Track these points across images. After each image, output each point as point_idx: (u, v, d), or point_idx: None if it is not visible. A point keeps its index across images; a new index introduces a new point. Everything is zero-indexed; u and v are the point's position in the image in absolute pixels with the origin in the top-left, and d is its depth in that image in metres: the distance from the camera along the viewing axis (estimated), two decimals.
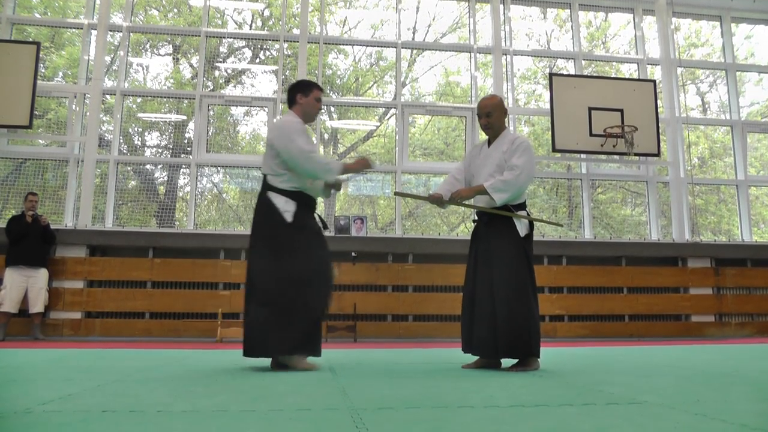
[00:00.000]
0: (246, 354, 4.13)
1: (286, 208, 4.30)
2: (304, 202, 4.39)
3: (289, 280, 4.14)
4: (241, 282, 9.15)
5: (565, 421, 2.16)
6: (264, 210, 4.35)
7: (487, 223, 4.48)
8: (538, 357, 4.27)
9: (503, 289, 4.25)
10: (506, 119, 4.72)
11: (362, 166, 4.52)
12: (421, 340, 9.06)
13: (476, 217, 4.69)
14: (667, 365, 4.64)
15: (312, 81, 4.69)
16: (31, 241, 8.50)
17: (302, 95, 4.55)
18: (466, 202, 4.70)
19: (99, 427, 2.01)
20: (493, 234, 4.42)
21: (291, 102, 4.60)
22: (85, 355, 5.65)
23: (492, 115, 4.57)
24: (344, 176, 4.59)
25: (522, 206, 4.48)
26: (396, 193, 4.76)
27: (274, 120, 4.54)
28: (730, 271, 10.33)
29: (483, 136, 4.83)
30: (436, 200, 4.57)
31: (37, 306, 8.44)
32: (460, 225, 11.96)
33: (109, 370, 4.00)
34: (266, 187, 4.37)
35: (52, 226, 8.83)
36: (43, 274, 8.57)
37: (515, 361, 4.31)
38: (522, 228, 4.38)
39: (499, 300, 4.23)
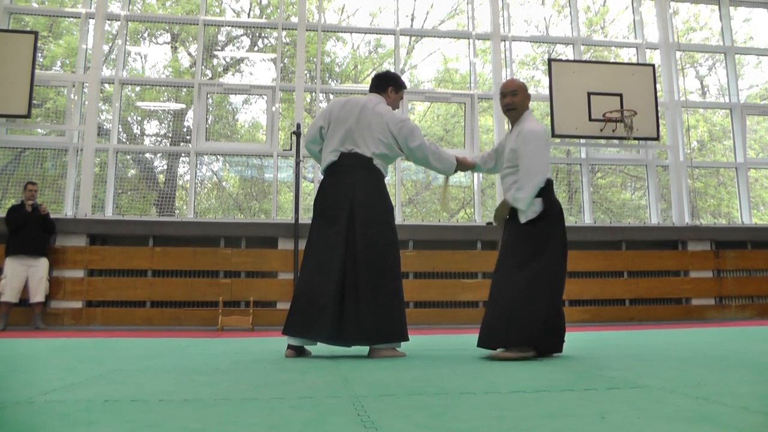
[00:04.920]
0: (344, 343, 4.12)
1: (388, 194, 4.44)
2: None
3: (399, 266, 4.35)
4: (241, 270, 9.19)
5: (566, 406, 2.17)
6: (381, 195, 4.37)
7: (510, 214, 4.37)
8: (520, 347, 3.91)
9: (495, 275, 4.25)
10: (528, 103, 4.50)
11: (468, 166, 4.72)
12: (422, 327, 9.07)
13: None
14: (668, 349, 4.65)
15: (403, 81, 4.75)
16: (30, 231, 8.50)
17: (394, 90, 4.63)
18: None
19: (101, 416, 2.02)
20: (506, 223, 4.38)
21: (381, 89, 4.61)
22: (86, 344, 5.66)
23: (517, 95, 4.36)
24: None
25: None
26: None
27: (377, 106, 4.40)
28: (730, 253, 10.33)
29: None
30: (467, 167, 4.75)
31: (37, 295, 8.45)
32: (460, 211, 11.96)
33: (110, 359, 4.01)
34: (377, 172, 4.36)
35: (52, 216, 8.83)
36: (43, 263, 8.57)
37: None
38: (522, 214, 4.15)
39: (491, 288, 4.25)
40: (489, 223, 9.92)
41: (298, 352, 4.21)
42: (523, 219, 4.16)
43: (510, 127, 4.56)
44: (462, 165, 4.66)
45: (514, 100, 4.38)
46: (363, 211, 4.22)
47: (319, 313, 4.05)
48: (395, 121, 4.37)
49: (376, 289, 4.09)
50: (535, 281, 4.02)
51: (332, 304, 4.02)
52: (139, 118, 11.57)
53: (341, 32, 11.73)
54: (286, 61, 10.94)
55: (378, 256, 4.18)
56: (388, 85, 4.60)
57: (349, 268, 4.12)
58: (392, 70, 4.95)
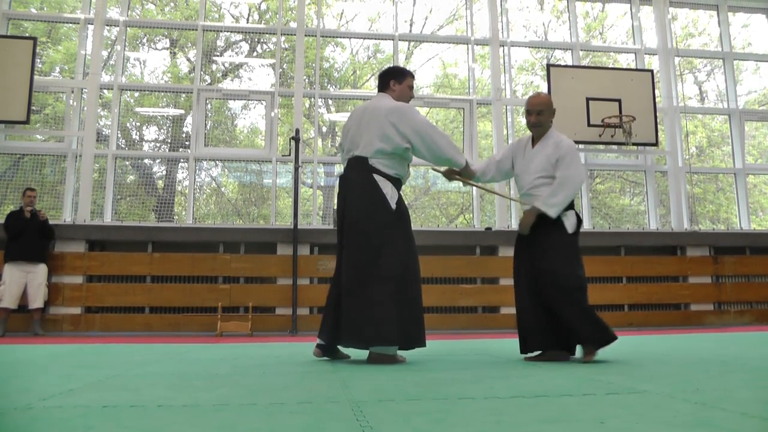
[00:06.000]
0: (345, 344, 4.14)
1: (392, 194, 4.27)
2: (400, 190, 4.40)
3: (398, 269, 4.14)
4: (240, 276, 9.18)
5: (566, 411, 2.17)
6: (371, 193, 4.23)
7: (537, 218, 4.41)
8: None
9: (560, 282, 4.32)
10: (553, 119, 4.71)
11: (471, 174, 4.66)
12: None
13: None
14: (667, 354, 4.65)
15: (406, 68, 4.72)
16: (29, 237, 8.49)
17: (396, 82, 4.58)
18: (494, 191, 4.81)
19: (100, 422, 2.02)
20: (543, 228, 4.38)
21: (383, 87, 4.60)
22: (85, 350, 5.65)
23: (542, 114, 4.56)
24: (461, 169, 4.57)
25: (569, 206, 4.43)
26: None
27: (378, 103, 4.37)
28: (728, 259, 10.33)
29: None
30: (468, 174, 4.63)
31: (36, 301, 8.43)
32: (458, 217, 11.96)
33: (109, 365, 4.00)
34: (370, 170, 4.26)
35: (51, 222, 8.82)
36: (42, 269, 8.56)
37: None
38: (569, 225, 4.37)
39: (557, 293, 4.32)
40: (488, 229, 9.92)
41: (323, 350, 4.34)
42: (570, 229, 4.39)
43: (531, 139, 4.68)
44: (467, 169, 4.58)
45: (539, 119, 4.59)
46: (353, 212, 4.25)
47: (326, 314, 4.34)
48: (392, 110, 4.30)
49: (361, 292, 4.05)
50: (581, 288, 4.52)
51: (332, 306, 4.25)
52: (138, 124, 11.57)
53: (340, 37, 11.74)
54: (285, 66, 10.94)
55: (366, 258, 4.12)
56: (388, 80, 4.59)
57: (342, 270, 4.24)
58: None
